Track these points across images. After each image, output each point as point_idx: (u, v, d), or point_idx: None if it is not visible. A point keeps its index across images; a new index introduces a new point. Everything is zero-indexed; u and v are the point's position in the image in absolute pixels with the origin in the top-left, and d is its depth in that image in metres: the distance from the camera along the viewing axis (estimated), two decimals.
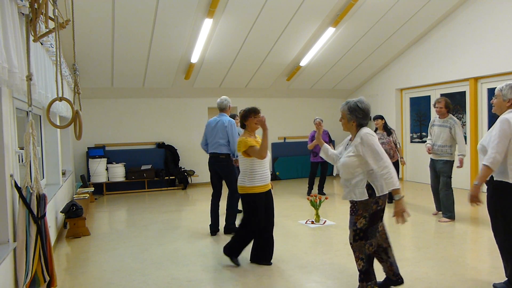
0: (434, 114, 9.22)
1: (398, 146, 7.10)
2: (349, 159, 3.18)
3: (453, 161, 5.86)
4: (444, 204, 5.89)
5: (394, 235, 5.42)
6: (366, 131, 3.20)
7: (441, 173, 5.87)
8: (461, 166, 5.82)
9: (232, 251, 4.28)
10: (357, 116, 3.26)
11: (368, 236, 3.14)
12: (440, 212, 6.11)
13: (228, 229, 5.51)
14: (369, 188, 3.11)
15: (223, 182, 5.64)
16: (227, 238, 5.39)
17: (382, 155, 3.06)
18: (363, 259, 3.17)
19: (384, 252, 3.40)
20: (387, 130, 7.08)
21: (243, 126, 4.29)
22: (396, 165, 6.91)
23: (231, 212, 5.54)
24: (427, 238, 5.15)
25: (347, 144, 3.34)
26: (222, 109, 5.68)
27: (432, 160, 6.03)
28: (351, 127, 3.32)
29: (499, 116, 3.47)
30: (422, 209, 6.67)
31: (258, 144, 4.11)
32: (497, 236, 3.41)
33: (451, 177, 5.85)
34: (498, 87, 3.51)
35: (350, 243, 3.23)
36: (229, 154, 5.51)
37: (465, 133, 8.15)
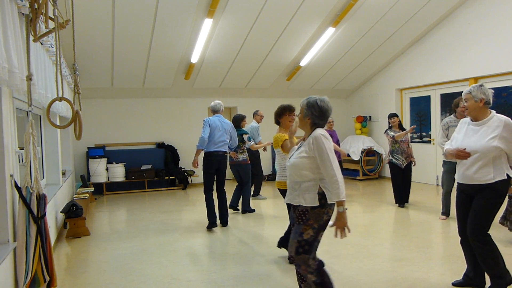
0: (434, 114, 9.28)
1: (410, 146, 6.97)
2: (300, 160, 2.90)
3: None
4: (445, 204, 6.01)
5: (394, 234, 5.43)
6: (320, 131, 2.89)
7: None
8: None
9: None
10: (313, 113, 2.94)
11: (312, 249, 2.90)
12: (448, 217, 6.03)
13: (226, 222, 6.00)
14: (323, 197, 2.85)
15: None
16: (227, 238, 5.40)
17: (332, 161, 2.78)
18: (312, 273, 2.90)
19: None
20: (402, 129, 6.95)
21: (277, 122, 4.31)
22: (409, 165, 6.86)
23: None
24: (427, 238, 5.15)
25: (300, 144, 3.06)
26: (217, 111, 6.08)
27: (452, 162, 5.44)
28: (306, 125, 3.00)
29: (474, 120, 3.39)
30: (422, 209, 6.67)
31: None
32: None
33: None
34: (466, 91, 3.41)
35: (291, 256, 2.97)
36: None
37: None
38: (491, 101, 3.31)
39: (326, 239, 5.23)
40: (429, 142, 9.45)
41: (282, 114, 4.20)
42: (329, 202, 2.85)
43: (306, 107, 2.98)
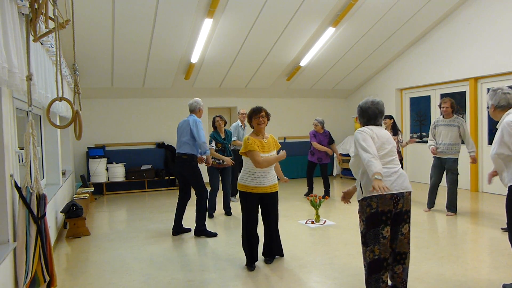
0: (434, 114, 9.27)
1: (401, 146, 7.24)
2: (351, 159, 3.27)
3: (458, 159, 6.23)
4: (451, 200, 6.21)
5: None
6: (358, 129, 3.20)
7: (450, 171, 6.16)
8: (475, 162, 6.18)
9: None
10: (359, 114, 3.33)
11: (368, 241, 3.02)
12: (431, 210, 6.52)
13: (199, 231, 5.46)
14: (361, 190, 3.12)
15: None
16: (228, 238, 5.40)
17: (364, 148, 2.97)
18: (365, 266, 3.07)
19: (403, 259, 3.14)
20: (395, 130, 7.21)
21: (252, 125, 4.31)
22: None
23: (200, 214, 5.48)
24: (427, 238, 5.15)
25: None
26: (191, 110, 5.67)
27: (439, 158, 6.23)
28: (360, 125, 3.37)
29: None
30: (422, 208, 6.67)
31: (260, 148, 4.08)
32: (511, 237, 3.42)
33: (458, 174, 6.23)
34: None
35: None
36: (193, 154, 5.46)
37: None
38: (504, 104, 3.34)
39: (326, 239, 5.25)
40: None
41: (251, 117, 4.23)
42: (366, 195, 3.04)
43: (357, 109, 3.36)
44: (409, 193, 3.09)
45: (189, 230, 5.69)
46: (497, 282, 3.60)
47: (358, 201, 3.14)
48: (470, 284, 3.61)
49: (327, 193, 8.04)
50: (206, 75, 9.43)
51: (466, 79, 8.33)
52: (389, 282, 3.19)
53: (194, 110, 5.64)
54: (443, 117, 6.21)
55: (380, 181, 2.81)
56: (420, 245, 4.78)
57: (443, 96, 9.04)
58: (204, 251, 4.89)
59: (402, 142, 7.26)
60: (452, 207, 6.20)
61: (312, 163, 8.14)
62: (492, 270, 3.93)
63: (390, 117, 7.33)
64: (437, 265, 4.11)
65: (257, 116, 4.19)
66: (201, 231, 5.45)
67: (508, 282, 3.52)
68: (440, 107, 6.24)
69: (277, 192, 4.28)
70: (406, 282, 3.20)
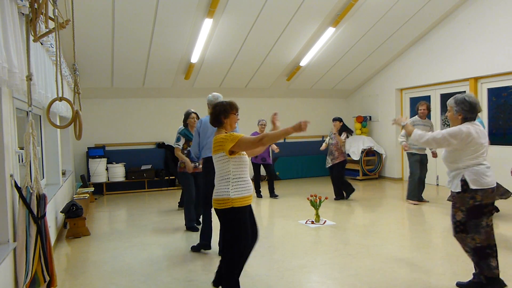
0: (434, 114, 9.27)
1: (341, 143, 7.66)
2: (446, 153, 3.48)
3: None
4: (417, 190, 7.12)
5: (394, 234, 5.42)
6: (465, 125, 3.35)
7: (425, 165, 7.16)
8: (435, 156, 7.14)
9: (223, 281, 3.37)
10: (463, 109, 3.37)
11: (468, 230, 3.31)
12: (420, 202, 7.18)
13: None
14: (465, 183, 3.29)
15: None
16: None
17: (443, 136, 3.33)
18: (468, 252, 3.38)
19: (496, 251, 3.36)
20: (341, 132, 7.64)
21: (216, 123, 3.40)
22: (342, 164, 7.65)
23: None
24: (427, 238, 5.15)
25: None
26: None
27: (419, 155, 7.06)
28: (457, 120, 3.43)
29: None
30: (422, 209, 6.67)
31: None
32: None
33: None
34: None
35: (453, 235, 3.45)
36: None
37: None
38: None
39: (326, 239, 5.25)
40: None
41: (229, 112, 3.34)
42: (472, 187, 3.26)
43: (455, 104, 3.40)
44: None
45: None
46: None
47: (457, 192, 3.34)
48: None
49: (272, 194, 8.20)
50: (206, 75, 9.42)
51: (466, 79, 8.32)
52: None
53: None
54: (420, 118, 7.05)
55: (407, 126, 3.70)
56: (420, 245, 4.77)
57: (443, 96, 9.05)
58: (204, 251, 4.88)
59: (343, 138, 7.65)
60: (415, 196, 7.10)
61: (256, 165, 8.31)
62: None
63: (340, 120, 7.74)
64: (437, 265, 4.10)
65: (237, 113, 3.43)
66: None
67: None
68: (418, 110, 7.08)
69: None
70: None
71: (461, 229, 3.35)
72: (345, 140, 7.60)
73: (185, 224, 5.85)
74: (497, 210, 5.89)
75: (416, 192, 7.10)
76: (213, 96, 4.79)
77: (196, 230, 5.67)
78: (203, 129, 4.80)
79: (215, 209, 3.28)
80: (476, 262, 3.36)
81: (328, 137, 7.82)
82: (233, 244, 3.22)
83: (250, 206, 3.34)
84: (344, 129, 7.70)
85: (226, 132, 3.33)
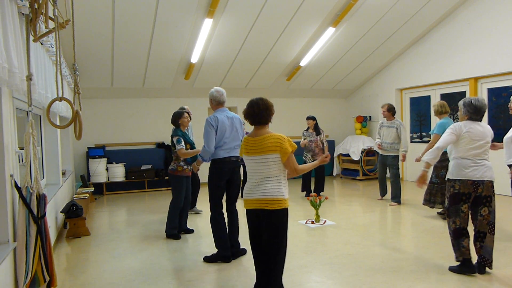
0: (434, 115, 9.26)
1: (325, 145, 7.90)
2: (449, 146, 3.94)
3: (398, 155, 7.11)
4: (394, 192, 7.06)
5: (394, 234, 5.43)
6: (462, 122, 3.82)
7: (391, 166, 7.08)
8: (403, 160, 7.07)
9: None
10: (469, 111, 3.78)
11: (450, 214, 3.81)
12: (384, 198, 7.50)
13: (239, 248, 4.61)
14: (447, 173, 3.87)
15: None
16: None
17: (442, 139, 3.79)
18: (450, 234, 3.87)
19: (481, 237, 3.78)
20: (317, 130, 7.88)
21: (264, 120, 3.21)
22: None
23: (237, 229, 4.61)
24: (427, 238, 5.15)
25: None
26: (222, 102, 4.50)
27: (382, 155, 7.22)
28: (464, 120, 3.86)
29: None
30: (422, 209, 6.67)
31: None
32: None
33: (399, 169, 7.16)
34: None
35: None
36: None
37: None
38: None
39: (325, 239, 5.25)
40: (429, 142, 9.44)
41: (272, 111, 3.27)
42: (449, 177, 3.82)
43: (463, 106, 3.84)
44: (490, 182, 3.72)
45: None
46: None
47: (447, 179, 3.88)
48: (470, 284, 3.61)
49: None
50: (206, 75, 9.42)
51: (466, 79, 8.32)
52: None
53: (225, 102, 4.52)
54: (386, 120, 7.16)
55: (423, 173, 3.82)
56: (420, 245, 4.78)
57: (443, 96, 9.05)
58: (204, 251, 4.88)
59: (323, 141, 7.88)
60: (396, 197, 7.05)
61: None
62: (492, 270, 3.92)
63: (313, 118, 7.91)
64: (437, 265, 4.10)
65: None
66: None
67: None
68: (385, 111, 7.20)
69: None
70: (488, 260, 3.75)
71: (448, 215, 3.84)
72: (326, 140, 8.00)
73: (166, 231, 5.39)
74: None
75: (382, 189, 7.46)
76: (217, 91, 4.46)
77: (178, 238, 5.33)
78: (220, 129, 4.35)
79: (263, 210, 3.03)
80: (452, 243, 3.83)
81: (305, 135, 7.95)
82: (284, 244, 3.10)
83: None
84: (317, 128, 7.91)
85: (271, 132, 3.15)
